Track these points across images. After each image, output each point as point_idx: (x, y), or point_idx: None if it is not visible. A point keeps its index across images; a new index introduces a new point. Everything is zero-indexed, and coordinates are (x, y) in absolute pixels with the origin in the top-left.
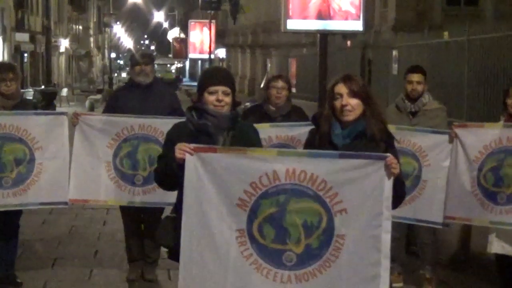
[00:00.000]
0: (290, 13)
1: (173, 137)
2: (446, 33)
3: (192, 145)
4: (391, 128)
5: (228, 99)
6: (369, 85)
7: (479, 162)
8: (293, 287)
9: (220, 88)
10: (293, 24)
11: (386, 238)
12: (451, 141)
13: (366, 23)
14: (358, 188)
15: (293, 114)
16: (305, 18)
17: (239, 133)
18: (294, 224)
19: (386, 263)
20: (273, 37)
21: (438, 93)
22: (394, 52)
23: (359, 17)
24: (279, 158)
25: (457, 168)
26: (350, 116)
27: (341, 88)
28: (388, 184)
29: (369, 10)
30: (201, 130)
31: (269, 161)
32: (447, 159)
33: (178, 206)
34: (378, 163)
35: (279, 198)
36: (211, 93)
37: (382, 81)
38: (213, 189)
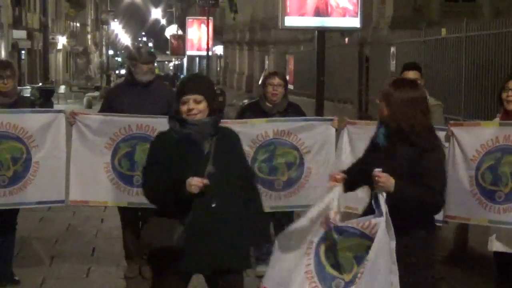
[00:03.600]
0: (288, 10)
1: (158, 147)
2: (443, 30)
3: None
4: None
5: (201, 106)
6: (367, 81)
7: (477, 161)
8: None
9: (191, 97)
10: (290, 21)
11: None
12: (447, 139)
13: (364, 20)
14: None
15: (290, 111)
16: (302, 15)
17: (222, 137)
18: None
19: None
20: (271, 34)
21: (435, 90)
22: (392, 49)
23: (357, 14)
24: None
25: (455, 168)
26: None
27: None
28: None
29: (366, 6)
30: (185, 139)
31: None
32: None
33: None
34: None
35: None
36: (183, 103)
37: (380, 78)
38: None
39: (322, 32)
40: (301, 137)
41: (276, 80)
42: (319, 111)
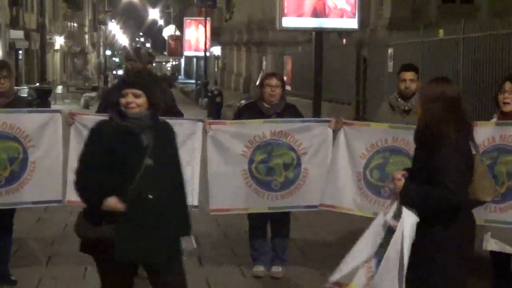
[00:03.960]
0: (285, 11)
1: (98, 135)
2: (441, 31)
3: None
4: (384, 125)
5: (140, 101)
6: (365, 83)
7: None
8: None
9: (130, 91)
10: (288, 22)
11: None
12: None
13: (362, 21)
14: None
15: (287, 112)
16: (300, 15)
17: (159, 131)
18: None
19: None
20: (269, 35)
21: None
22: (390, 50)
23: (355, 15)
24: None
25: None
26: None
27: None
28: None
29: (364, 8)
30: (124, 131)
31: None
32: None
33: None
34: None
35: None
36: (123, 96)
37: (378, 79)
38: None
39: (320, 33)
40: (298, 138)
41: (274, 81)
42: (316, 112)
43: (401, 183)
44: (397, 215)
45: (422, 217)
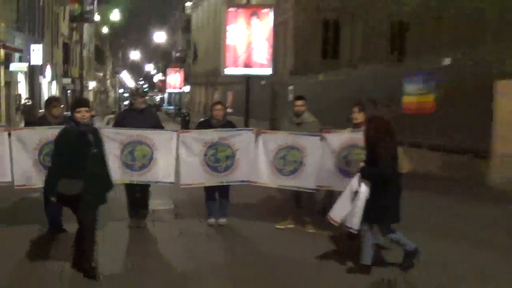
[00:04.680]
0: (227, 64)
1: (64, 138)
2: (320, 75)
3: None
4: (286, 133)
5: (88, 114)
6: (275, 107)
7: (338, 152)
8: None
9: (83, 109)
10: (228, 70)
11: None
12: (321, 140)
13: (274, 69)
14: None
15: (227, 125)
16: (236, 66)
17: (96, 132)
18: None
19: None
20: (218, 78)
21: (315, 112)
22: (290, 87)
23: (269, 66)
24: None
25: (324, 157)
26: None
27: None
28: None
29: (275, 61)
30: (80, 133)
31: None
32: (319, 151)
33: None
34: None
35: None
36: (78, 112)
37: (283, 105)
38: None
39: (248, 77)
40: (233, 140)
41: (219, 106)
42: (246, 125)
43: (362, 165)
44: (359, 184)
45: (372, 183)
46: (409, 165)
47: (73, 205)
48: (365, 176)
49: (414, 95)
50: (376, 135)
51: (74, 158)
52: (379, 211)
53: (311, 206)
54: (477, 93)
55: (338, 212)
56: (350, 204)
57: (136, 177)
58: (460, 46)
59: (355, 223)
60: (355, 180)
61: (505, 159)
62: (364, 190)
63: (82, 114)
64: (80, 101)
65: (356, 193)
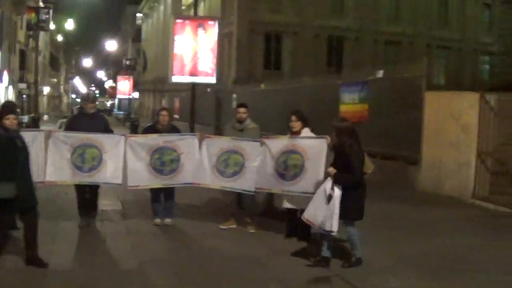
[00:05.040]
0: (174, 72)
1: None
2: (263, 85)
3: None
4: (228, 138)
5: (16, 121)
6: (220, 113)
7: (277, 157)
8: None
9: (12, 116)
10: (175, 78)
11: None
12: (261, 145)
13: (218, 78)
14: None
15: (172, 130)
16: (182, 74)
17: (21, 138)
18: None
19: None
20: (165, 85)
21: (257, 118)
22: (234, 95)
23: (213, 75)
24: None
25: (265, 160)
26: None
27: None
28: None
29: (220, 70)
30: (10, 138)
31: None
32: (259, 156)
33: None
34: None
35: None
36: (7, 119)
37: (227, 112)
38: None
39: (194, 85)
40: (178, 144)
41: (164, 112)
42: (191, 130)
43: (332, 170)
44: (331, 188)
45: (343, 187)
46: (372, 165)
47: (7, 208)
48: (341, 182)
49: (350, 104)
50: (349, 142)
51: (5, 163)
52: (356, 209)
53: (252, 207)
54: (407, 103)
55: (313, 213)
56: (325, 207)
57: (86, 178)
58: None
59: (335, 225)
60: (328, 184)
61: (432, 163)
62: (338, 194)
63: (10, 121)
64: (9, 109)
65: (330, 196)
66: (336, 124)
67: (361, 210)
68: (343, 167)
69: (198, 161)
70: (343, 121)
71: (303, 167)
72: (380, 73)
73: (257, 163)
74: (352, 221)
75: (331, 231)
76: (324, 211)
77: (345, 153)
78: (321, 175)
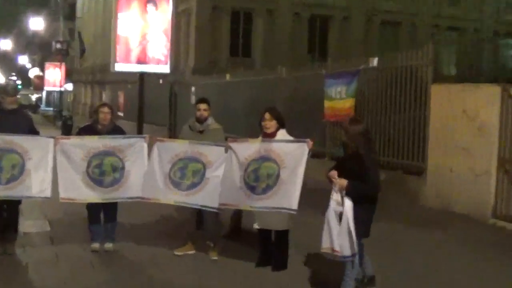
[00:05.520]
0: (118, 59)
1: None
2: (228, 75)
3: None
4: (185, 142)
5: None
6: (175, 110)
7: (246, 165)
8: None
9: None
10: (119, 66)
11: None
12: (226, 151)
13: (174, 67)
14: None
15: (115, 131)
16: (128, 62)
17: None
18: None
19: None
20: (107, 75)
21: (220, 117)
22: (193, 88)
23: (167, 63)
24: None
25: (231, 169)
26: None
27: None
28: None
29: (176, 57)
30: None
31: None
32: (224, 163)
33: None
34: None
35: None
36: None
37: (184, 109)
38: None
39: (143, 75)
40: (123, 148)
41: (105, 109)
42: (139, 132)
43: (344, 181)
44: (339, 204)
45: (356, 200)
46: None
47: None
48: (358, 193)
49: (336, 99)
50: (364, 148)
51: None
52: (366, 224)
53: (215, 228)
54: (408, 99)
55: (329, 240)
56: (339, 228)
57: (3, 192)
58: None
59: (355, 245)
60: (336, 200)
61: (440, 174)
62: (349, 208)
63: None
64: None
65: (341, 214)
66: (349, 126)
67: (369, 225)
68: (355, 178)
69: (148, 170)
70: (356, 122)
71: (278, 177)
72: (374, 62)
73: (221, 172)
74: (361, 238)
75: (353, 254)
76: (340, 233)
77: (358, 162)
78: (299, 187)
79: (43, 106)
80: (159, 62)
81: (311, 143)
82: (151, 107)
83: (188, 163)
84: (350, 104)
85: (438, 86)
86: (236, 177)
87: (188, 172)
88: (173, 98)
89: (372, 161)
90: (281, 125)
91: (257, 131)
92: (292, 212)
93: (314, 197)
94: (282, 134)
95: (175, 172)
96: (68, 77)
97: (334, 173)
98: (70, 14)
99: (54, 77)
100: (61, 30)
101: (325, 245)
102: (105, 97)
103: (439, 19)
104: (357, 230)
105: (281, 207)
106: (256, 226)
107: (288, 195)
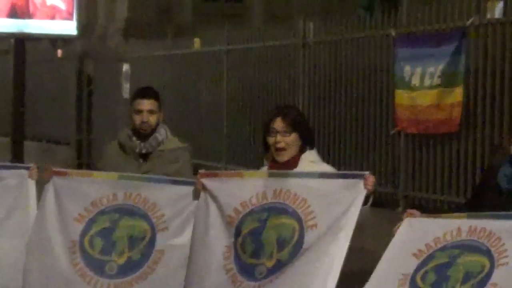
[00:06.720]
0: None
1: None
2: (197, 40)
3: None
4: (112, 176)
5: None
6: (90, 113)
7: (235, 224)
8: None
9: None
10: None
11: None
12: (196, 196)
13: (85, 25)
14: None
15: None
16: None
17: None
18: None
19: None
20: None
21: (182, 126)
22: (125, 66)
23: (72, 15)
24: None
25: (206, 233)
26: None
27: None
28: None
29: (89, 6)
30: None
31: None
32: (188, 225)
33: None
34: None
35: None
36: None
37: (109, 107)
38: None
39: (22, 40)
40: None
41: None
42: (18, 156)
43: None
44: None
45: None
46: None
47: None
48: None
49: (422, 89)
50: None
51: None
52: None
53: None
54: None
55: None
56: None
57: None
58: None
59: None
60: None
61: None
62: None
63: None
64: None
65: None
66: None
67: None
68: None
69: (33, 236)
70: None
71: (301, 245)
72: (496, 10)
73: (186, 239)
74: None
75: None
76: None
77: None
78: (338, 268)
79: None
80: (55, 15)
81: (371, 178)
82: (39, 106)
83: (118, 220)
84: (455, 99)
85: None
86: (217, 248)
87: (120, 240)
88: (85, 88)
89: None
90: (306, 141)
91: (260, 157)
92: None
93: None
94: (310, 159)
95: (93, 240)
96: None
97: None
98: None
99: None
100: None
101: None
102: None
103: None
104: None
105: None
106: None
107: (316, 282)
